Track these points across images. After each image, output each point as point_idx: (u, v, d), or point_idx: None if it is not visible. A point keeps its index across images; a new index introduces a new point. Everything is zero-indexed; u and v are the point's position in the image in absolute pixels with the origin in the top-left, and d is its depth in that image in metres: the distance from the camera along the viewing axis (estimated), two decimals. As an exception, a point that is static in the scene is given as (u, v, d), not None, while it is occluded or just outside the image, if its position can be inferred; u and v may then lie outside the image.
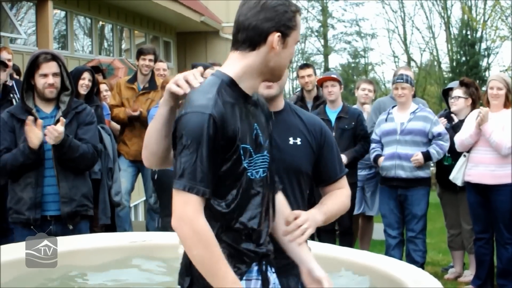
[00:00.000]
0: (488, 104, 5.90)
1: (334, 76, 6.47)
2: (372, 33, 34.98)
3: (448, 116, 6.53)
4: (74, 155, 4.19)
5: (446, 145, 5.98)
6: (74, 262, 3.62)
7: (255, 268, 2.17)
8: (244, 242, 2.13)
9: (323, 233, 6.26)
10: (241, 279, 2.11)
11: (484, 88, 6.72)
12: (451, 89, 6.69)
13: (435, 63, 31.91)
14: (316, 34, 35.27)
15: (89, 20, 13.67)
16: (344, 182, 2.73)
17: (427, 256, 6.35)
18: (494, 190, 5.73)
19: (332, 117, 6.29)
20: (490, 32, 24.13)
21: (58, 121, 4.15)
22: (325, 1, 34.46)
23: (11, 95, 5.51)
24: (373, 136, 6.25)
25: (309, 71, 6.98)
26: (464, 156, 5.94)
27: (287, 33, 2.14)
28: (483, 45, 27.71)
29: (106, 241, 3.94)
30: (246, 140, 2.10)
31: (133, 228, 7.03)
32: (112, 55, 14.13)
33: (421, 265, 5.87)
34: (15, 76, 6.18)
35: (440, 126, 6.05)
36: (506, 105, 5.83)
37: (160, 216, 6.62)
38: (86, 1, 12.92)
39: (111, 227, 5.90)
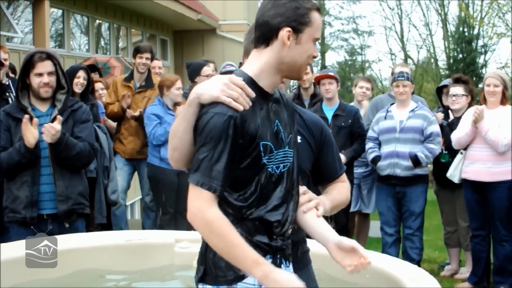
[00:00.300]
0: (484, 101, 5.90)
1: (331, 73, 6.46)
2: (369, 30, 35.12)
3: (445, 112, 6.51)
4: (71, 153, 4.18)
5: (436, 148, 5.95)
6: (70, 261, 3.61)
7: (269, 261, 2.17)
8: (258, 234, 2.16)
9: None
10: None
11: (480, 85, 6.72)
12: (445, 86, 6.69)
13: (432, 60, 31.90)
14: (313, 31, 35.19)
15: (86, 19, 13.65)
16: (344, 178, 2.74)
17: (423, 253, 6.35)
18: (491, 187, 5.74)
19: (329, 114, 6.28)
20: (487, 29, 24.06)
21: (54, 119, 4.14)
22: (322, -1, 34.46)
23: (7, 94, 5.48)
24: (370, 134, 6.21)
25: (306, 68, 6.97)
26: (461, 153, 5.94)
27: (300, 29, 2.17)
28: (480, 42, 27.68)
29: (101, 240, 3.93)
30: (266, 137, 2.15)
31: (129, 227, 7.02)
32: (109, 54, 14.10)
33: (418, 263, 5.88)
34: (10, 74, 6.15)
35: (435, 126, 6.01)
36: (502, 102, 5.83)
37: (156, 215, 6.61)
38: (83, -1, 12.92)
39: (107, 226, 5.88)
